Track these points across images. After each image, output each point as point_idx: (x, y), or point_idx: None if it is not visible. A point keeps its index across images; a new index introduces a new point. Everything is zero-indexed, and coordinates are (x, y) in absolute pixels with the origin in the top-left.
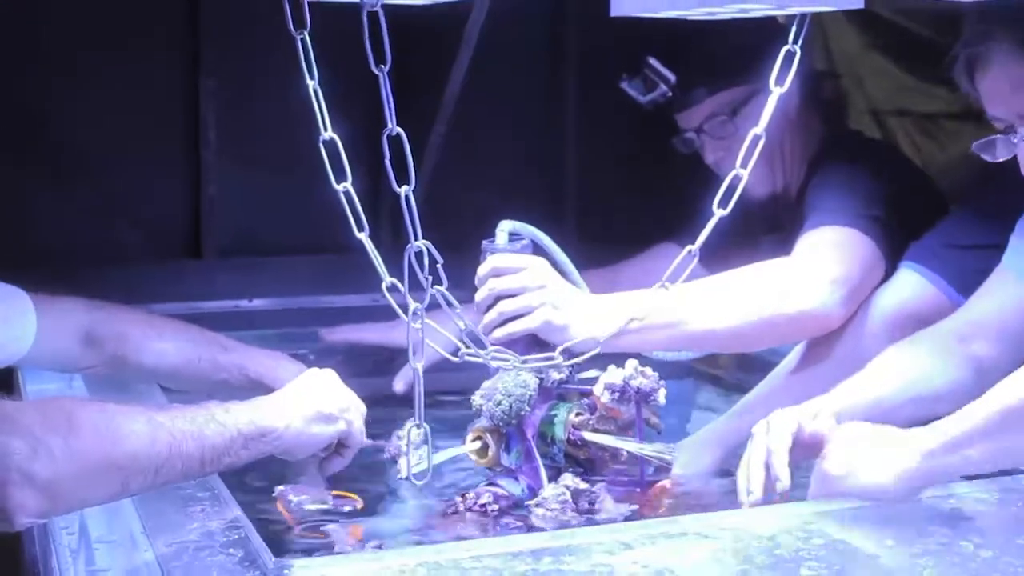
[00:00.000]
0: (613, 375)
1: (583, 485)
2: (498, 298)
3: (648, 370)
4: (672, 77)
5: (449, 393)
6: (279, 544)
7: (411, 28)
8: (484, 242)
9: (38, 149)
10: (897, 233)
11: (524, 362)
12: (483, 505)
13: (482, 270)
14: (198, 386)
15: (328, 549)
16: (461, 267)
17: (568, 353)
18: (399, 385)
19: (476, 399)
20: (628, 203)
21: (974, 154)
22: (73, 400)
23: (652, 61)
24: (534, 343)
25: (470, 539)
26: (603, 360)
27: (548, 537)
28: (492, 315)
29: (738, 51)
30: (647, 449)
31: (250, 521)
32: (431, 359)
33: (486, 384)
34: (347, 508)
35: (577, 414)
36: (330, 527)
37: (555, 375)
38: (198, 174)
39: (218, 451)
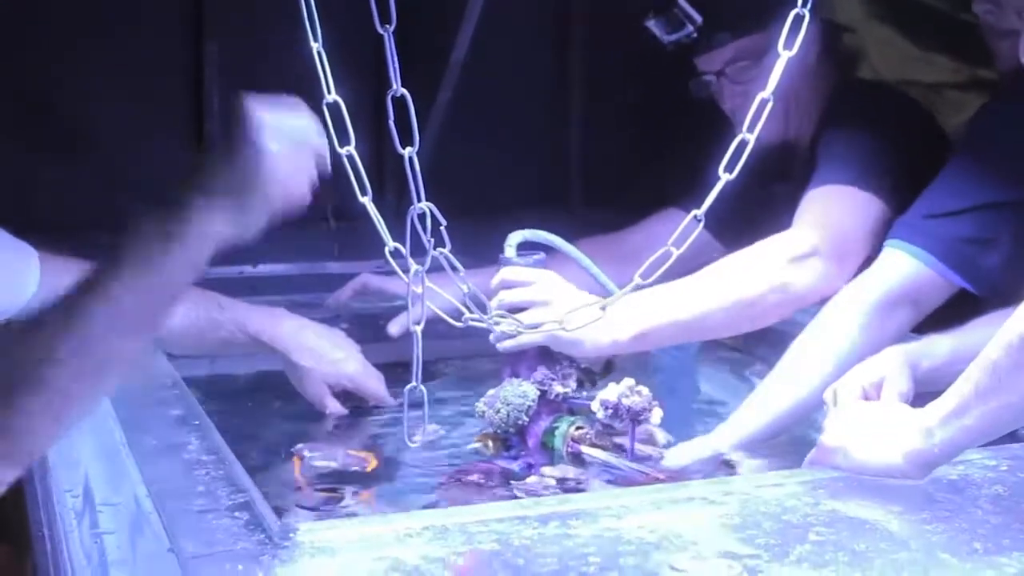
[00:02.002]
0: (609, 392)
1: (571, 473)
2: (509, 311)
3: (644, 389)
4: (699, 18)
5: (451, 359)
6: (285, 507)
7: None
8: (500, 256)
9: (41, 119)
10: (909, 183)
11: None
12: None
13: (493, 282)
14: (199, 347)
15: (335, 512)
16: (466, 233)
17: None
18: (394, 328)
19: (480, 406)
20: (633, 168)
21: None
22: None
23: (681, 2)
24: (544, 353)
25: (476, 504)
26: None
27: (555, 502)
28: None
29: None
30: (636, 466)
31: (259, 485)
32: (429, 317)
33: (490, 392)
34: (355, 468)
35: (577, 428)
36: (341, 490)
37: (558, 388)
38: (201, 142)
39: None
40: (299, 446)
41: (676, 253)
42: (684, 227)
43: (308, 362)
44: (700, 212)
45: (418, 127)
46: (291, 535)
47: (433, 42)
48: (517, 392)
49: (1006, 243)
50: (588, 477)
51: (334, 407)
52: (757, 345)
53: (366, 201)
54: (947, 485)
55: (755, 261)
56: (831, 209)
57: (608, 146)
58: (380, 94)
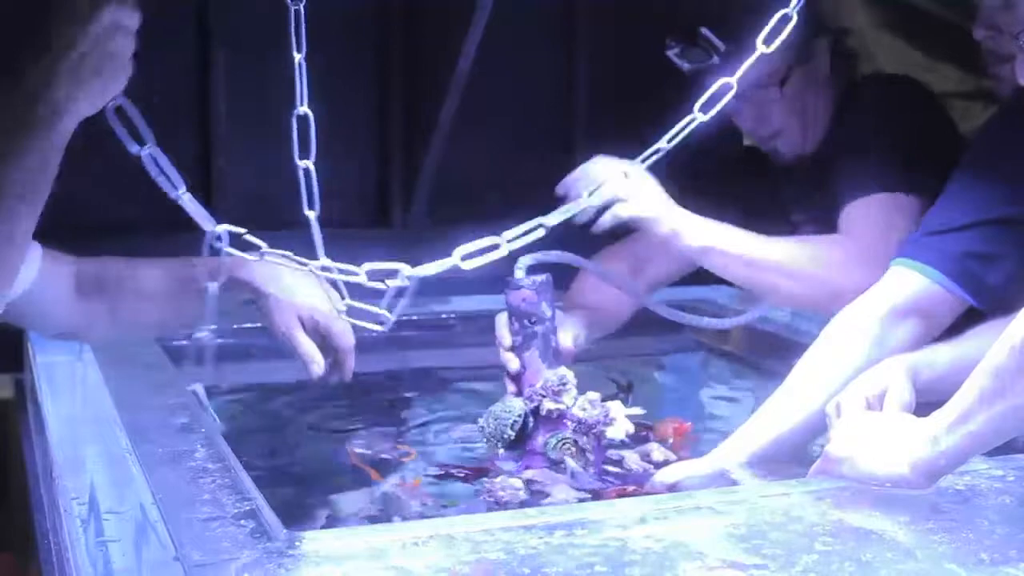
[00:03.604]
0: (576, 407)
1: (540, 477)
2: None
3: (611, 405)
4: (722, 46)
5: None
6: (294, 515)
7: (424, 1)
8: (507, 278)
9: None
10: (932, 169)
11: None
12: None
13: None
14: (175, 312)
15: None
16: (470, 238)
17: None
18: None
19: (480, 420)
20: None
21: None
22: None
23: (705, 32)
24: (551, 356)
25: (482, 513)
26: None
27: (560, 511)
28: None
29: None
30: (592, 477)
31: (268, 492)
32: None
33: (490, 408)
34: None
35: (563, 443)
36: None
37: (548, 405)
38: (208, 146)
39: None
40: (355, 441)
41: (701, 118)
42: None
43: (279, 292)
44: (666, 144)
45: (425, 134)
46: (297, 544)
47: (440, 50)
48: (505, 407)
49: (1007, 259)
50: (555, 482)
51: (305, 345)
52: (763, 357)
53: (311, 215)
54: (953, 495)
55: (814, 251)
56: (877, 219)
57: (615, 154)
58: (383, 109)
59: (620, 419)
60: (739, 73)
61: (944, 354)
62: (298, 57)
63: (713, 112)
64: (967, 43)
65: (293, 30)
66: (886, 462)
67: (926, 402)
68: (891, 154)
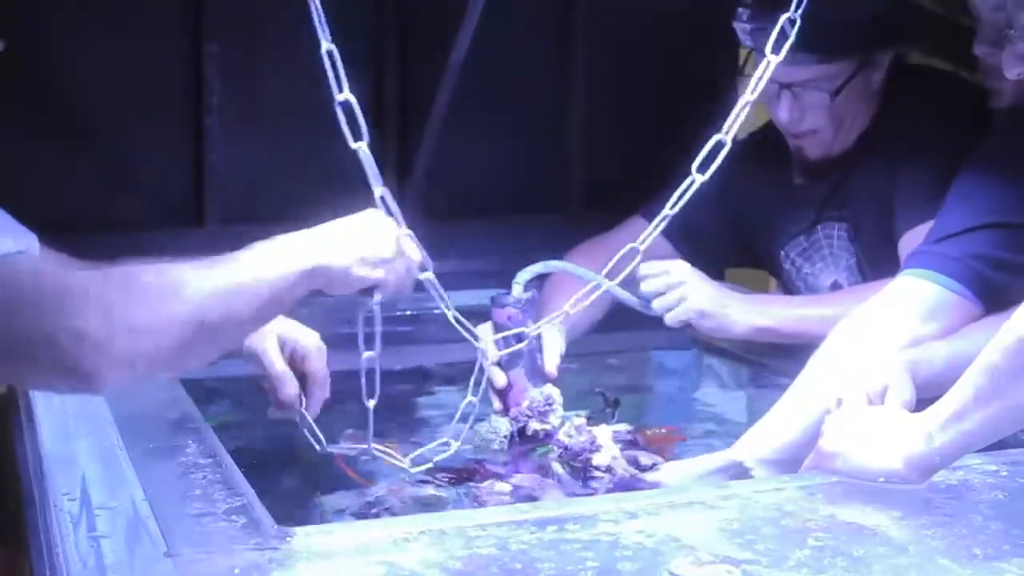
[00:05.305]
0: (563, 434)
1: (527, 482)
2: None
3: (601, 431)
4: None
5: None
6: (286, 511)
7: None
8: (493, 296)
9: (39, 115)
10: None
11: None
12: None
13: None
14: None
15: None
16: (464, 233)
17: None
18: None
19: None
20: (635, 171)
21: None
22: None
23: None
24: (537, 374)
25: (474, 508)
26: None
27: (552, 506)
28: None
29: (863, 24)
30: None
31: (264, 488)
32: None
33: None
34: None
35: (548, 451)
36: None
37: (535, 425)
38: (200, 140)
39: (276, 288)
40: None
41: (700, 179)
42: (654, 227)
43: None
44: (669, 212)
45: (418, 129)
46: (288, 539)
47: (433, 42)
48: (491, 428)
49: (1011, 262)
50: (544, 488)
51: (278, 364)
52: (757, 354)
53: (384, 191)
54: (946, 490)
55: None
56: None
57: (610, 148)
58: (379, 93)
59: (607, 445)
60: (731, 125)
61: (941, 350)
62: (325, 46)
63: (711, 172)
64: (958, 38)
65: (316, 21)
66: (879, 457)
67: (923, 398)
68: (941, 173)
